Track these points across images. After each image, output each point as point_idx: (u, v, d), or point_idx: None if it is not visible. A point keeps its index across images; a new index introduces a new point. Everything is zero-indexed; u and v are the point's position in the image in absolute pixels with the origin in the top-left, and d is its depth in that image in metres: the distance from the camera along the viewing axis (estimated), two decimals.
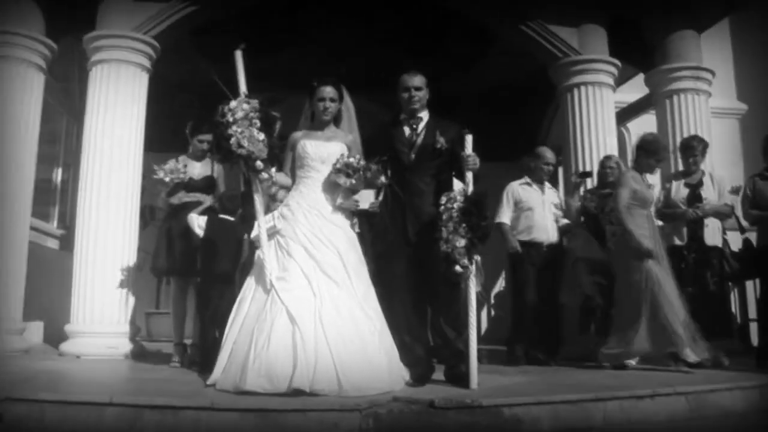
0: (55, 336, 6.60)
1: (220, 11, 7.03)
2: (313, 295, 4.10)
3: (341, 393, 3.78)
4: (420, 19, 8.00)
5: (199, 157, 5.98)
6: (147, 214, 7.73)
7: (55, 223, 8.74)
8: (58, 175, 8.85)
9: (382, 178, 4.35)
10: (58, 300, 6.63)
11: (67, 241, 7.91)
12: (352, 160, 4.32)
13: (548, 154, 6.47)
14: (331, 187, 4.40)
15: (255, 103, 4.21)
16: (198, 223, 5.42)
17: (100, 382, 4.56)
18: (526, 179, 6.50)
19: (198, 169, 5.93)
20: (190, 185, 5.78)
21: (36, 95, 6.66)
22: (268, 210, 4.56)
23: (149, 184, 6.16)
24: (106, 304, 6.21)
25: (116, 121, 6.51)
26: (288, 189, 4.65)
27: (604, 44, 7.36)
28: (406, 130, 4.73)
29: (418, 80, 4.70)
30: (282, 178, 4.56)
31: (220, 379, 4.04)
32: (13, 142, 6.40)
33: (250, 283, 4.34)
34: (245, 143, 4.11)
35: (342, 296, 4.16)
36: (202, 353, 5.22)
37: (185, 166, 5.77)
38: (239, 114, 4.15)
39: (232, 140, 4.11)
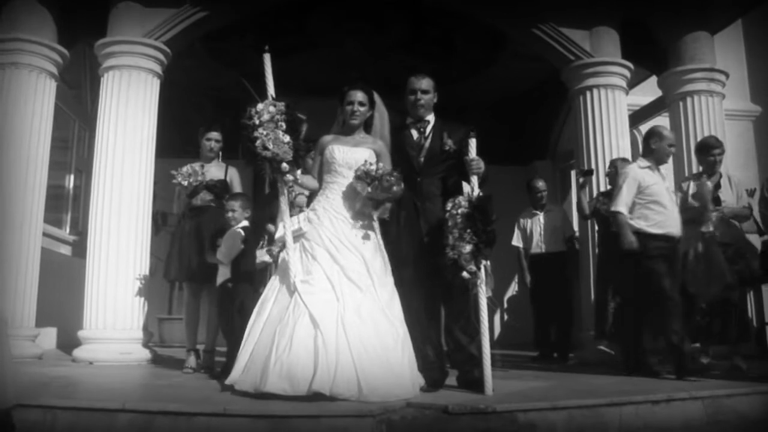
0: (68, 342, 6.62)
1: (230, 16, 7.03)
2: (336, 300, 4.09)
3: (361, 398, 3.76)
4: (431, 25, 7.99)
5: (208, 158, 5.98)
6: (159, 219, 7.79)
7: (68, 229, 8.78)
8: (70, 181, 8.89)
9: (396, 189, 4.28)
10: (71, 306, 6.65)
11: (79, 247, 7.94)
12: (372, 167, 4.29)
13: (671, 134, 5.88)
14: (353, 192, 4.39)
15: (281, 105, 4.20)
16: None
17: (113, 388, 4.54)
18: (647, 162, 5.69)
19: (213, 171, 5.94)
20: (209, 187, 5.78)
21: (48, 102, 6.69)
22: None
23: (161, 190, 6.17)
24: (118, 309, 6.21)
25: (128, 127, 6.51)
26: (313, 192, 4.65)
27: (617, 47, 7.31)
28: (414, 134, 4.71)
29: (425, 83, 4.69)
30: (309, 180, 4.55)
31: (239, 380, 4.03)
32: (26, 149, 6.44)
33: (273, 284, 4.33)
34: (270, 145, 4.10)
35: (365, 302, 4.14)
36: (229, 353, 5.19)
37: (202, 166, 5.79)
38: (265, 116, 4.14)
39: (258, 142, 4.11)
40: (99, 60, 6.73)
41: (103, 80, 6.68)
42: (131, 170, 6.45)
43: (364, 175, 4.28)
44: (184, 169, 5.70)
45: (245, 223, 5.49)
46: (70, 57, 6.92)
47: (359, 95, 4.50)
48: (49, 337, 7.34)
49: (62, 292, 7.18)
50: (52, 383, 4.56)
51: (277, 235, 4.50)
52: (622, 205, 5.47)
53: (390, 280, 4.35)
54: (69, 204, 8.87)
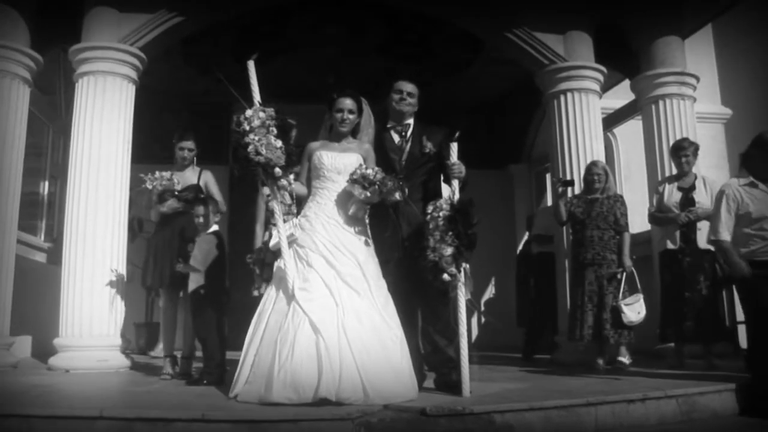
0: (44, 350, 6.55)
1: (206, 22, 7.01)
2: (336, 305, 4.11)
3: (367, 401, 3.81)
4: (408, 28, 8.03)
5: (180, 166, 5.97)
6: (135, 226, 7.74)
7: (43, 237, 8.68)
8: (44, 188, 8.80)
9: (398, 195, 4.32)
10: (47, 314, 6.58)
11: (54, 255, 7.86)
12: (369, 171, 4.31)
13: None
14: (347, 196, 4.41)
15: (271, 111, 4.21)
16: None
17: (90, 396, 4.52)
18: (750, 178, 4.94)
19: (187, 176, 5.93)
20: (177, 195, 5.77)
21: (21, 108, 6.63)
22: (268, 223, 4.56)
23: (137, 197, 6.15)
24: (95, 316, 6.16)
25: (103, 133, 6.46)
26: (303, 198, 4.67)
27: (590, 51, 7.40)
28: (396, 137, 4.77)
29: (412, 87, 4.76)
30: (298, 187, 4.57)
31: (243, 391, 4.03)
32: (0, 156, 6.36)
33: (270, 294, 4.33)
34: (263, 150, 4.11)
35: (363, 305, 4.18)
36: (220, 364, 5.20)
37: (172, 174, 5.78)
38: (256, 122, 4.15)
39: (250, 148, 4.11)
40: (73, 65, 6.68)
41: (77, 86, 6.63)
42: (106, 177, 6.41)
43: (361, 179, 4.30)
44: (157, 173, 5.69)
45: (215, 227, 5.48)
46: (44, 62, 6.86)
47: (348, 103, 4.54)
48: (24, 345, 7.25)
49: (37, 300, 7.11)
50: (28, 392, 4.52)
51: (272, 243, 4.49)
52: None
53: (383, 282, 4.39)
54: (44, 211, 8.78)
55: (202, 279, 5.27)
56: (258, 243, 5.59)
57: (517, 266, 10.33)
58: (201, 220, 5.38)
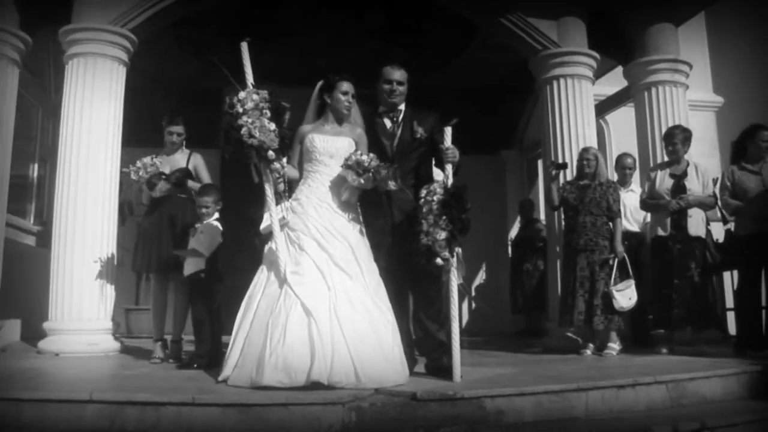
0: (34, 334, 6.53)
1: (197, 5, 6.95)
2: (328, 288, 4.10)
3: (359, 385, 3.81)
4: (401, 13, 7.99)
5: (169, 150, 5.93)
6: (126, 209, 7.70)
7: (32, 220, 8.63)
8: (34, 170, 8.73)
9: (392, 184, 4.30)
10: (36, 297, 6.54)
11: (44, 238, 7.82)
12: (364, 158, 4.28)
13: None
14: (340, 181, 4.39)
15: (264, 93, 4.19)
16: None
17: (80, 380, 4.50)
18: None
19: (176, 159, 5.89)
20: (165, 178, 5.72)
21: (10, 90, 6.54)
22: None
23: (126, 180, 6.11)
24: (84, 300, 6.13)
25: (93, 116, 6.41)
26: (294, 182, 4.64)
27: (583, 37, 7.39)
28: (387, 123, 4.75)
29: (400, 74, 4.71)
30: (290, 170, 4.54)
31: (234, 375, 4.02)
32: None
33: (260, 278, 4.31)
34: (256, 133, 4.09)
35: (356, 289, 4.17)
36: (213, 349, 5.18)
37: (153, 158, 5.71)
38: (249, 104, 4.13)
39: (243, 130, 4.09)
40: (63, 47, 6.61)
41: (67, 68, 6.56)
42: (96, 159, 6.36)
43: (355, 165, 4.27)
44: (138, 162, 5.64)
45: (217, 215, 5.46)
46: (33, 44, 6.77)
47: (350, 86, 4.54)
48: (13, 329, 7.22)
49: (26, 283, 7.06)
50: (17, 376, 4.50)
51: (263, 226, 4.45)
52: None
53: (375, 267, 4.38)
54: (33, 194, 8.72)
55: (202, 264, 5.26)
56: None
57: (512, 252, 10.39)
58: (206, 210, 5.36)
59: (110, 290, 6.29)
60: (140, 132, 7.23)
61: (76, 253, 6.21)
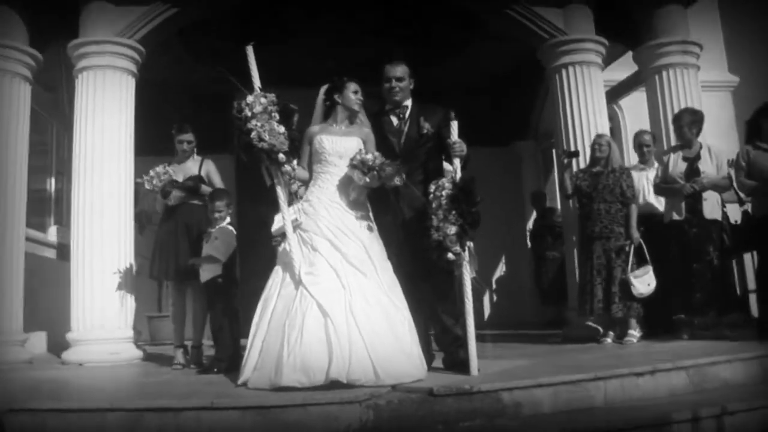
0: (59, 345, 6.61)
1: (202, 12, 6.99)
2: (342, 288, 4.12)
3: (378, 382, 3.83)
4: (405, 8, 7.97)
5: (181, 158, 5.98)
6: (143, 218, 7.77)
7: (52, 233, 8.72)
8: (51, 184, 8.84)
9: (397, 180, 4.31)
10: (60, 309, 6.62)
11: (63, 250, 7.91)
12: (369, 156, 4.30)
13: None
14: (348, 181, 4.41)
15: (272, 96, 4.24)
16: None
17: (102, 389, 4.56)
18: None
19: (188, 167, 5.94)
20: (178, 186, 5.78)
21: (23, 106, 6.64)
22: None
23: (141, 190, 6.18)
24: (105, 310, 6.20)
25: (105, 127, 6.48)
26: (305, 183, 4.68)
27: (591, 23, 7.31)
28: (394, 120, 4.76)
29: (399, 70, 4.72)
30: (300, 172, 4.58)
31: (253, 378, 4.05)
32: (4, 154, 6.39)
33: (275, 280, 4.34)
34: (266, 137, 4.13)
35: (370, 287, 4.19)
36: (233, 353, 5.19)
37: (165, 166, 5.77)
38: (258, 108, 4.17)
39: (253, 134, 4.13)
40: (72, 61, 6.69)
41: (77, 81, 6.64)
42: (110, 171, 6.43)
43: (360, 164, 4.29)
44: (151, 172, 5.70)
45: (229, 219, 5.51)
46: (44, 59, 6.86)
47: (357, 86, 4.58)
48: (39, 341, 7.33)
49: (49, 296, 7.16)
50: (41, 387, 4.58)
51: (275, 227, 4.49)
52: None
53: (389, 264, 4.40)
54: (51, 207, 8.83)
55: (219, 269, 5.30)
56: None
57: (531, 243, 10.36)
58: (219, 215, 5.40)
59: (130, 299, 6.36)
60: (153, 141, 7.28)
61: (95, 264, 6.28)
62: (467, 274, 4.30)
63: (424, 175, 4.63)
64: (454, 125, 4.39)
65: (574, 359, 4.92)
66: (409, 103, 4.77)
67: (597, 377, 3.97)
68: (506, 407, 3.70)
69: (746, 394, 4.11)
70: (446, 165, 4.76)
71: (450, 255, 4.18)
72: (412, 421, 3.56)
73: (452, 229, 4.17)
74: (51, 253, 8.19)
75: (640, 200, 6.52)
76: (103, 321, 6.21)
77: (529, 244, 10.61)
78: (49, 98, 8.52)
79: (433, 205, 4.24)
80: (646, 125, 7.73)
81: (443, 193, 4.23)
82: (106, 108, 6.50)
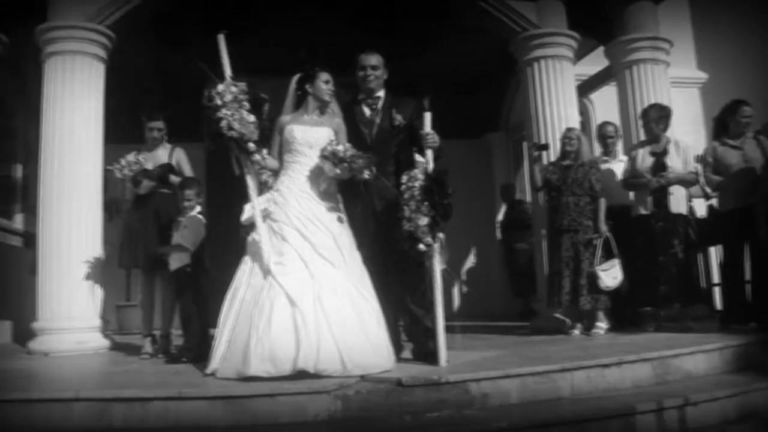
0: (25, 335, 6.52)
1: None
2: (311, 277, 4.13)
3: (345, 372, 3.85)
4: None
5: (151, 146, 5.92)
6: (112, 207, 7.67)
7: (18, 220, 8.59)
8: (18, 171, 8.69)
9: (366, 173, 4.32)
10: (25, 298, 6.53)
11: (30, 238, 7.78)
12: (340, 148, 4.30)
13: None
14: (319, 171, 4.41)
15: (243, 85, 4.24)
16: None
17: (68, 378, 4.52)
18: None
19: (159, 155, 5.88)
20: (148, 175, 5.72)
21: None
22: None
23: (112, 178, 6.10)
24: (72, 299, 6.12)
25: (74, 114, 6.37)
26: (275, 173, 4.66)
27: (563, 18, 7.37)
28: (367, 111, 4.76)
29: (374, 59, 4.72)
30: (270, 161, 4.56)
31: (221, 368, 4.05)
32: None
33: (243, 270, 4.34)
34: (236, 125, 4.14)
35: (339, 277, 4.20)
36: (201, 342, 5.13)
37: (136, 154, 5.72)
38: (228, 97, 4.17)
39: (223, 123, 4.14)
40: (40, 46, 6.56)
41: (45, 67, 6.51)
42: (79, 158, 6.33)
43: (331, 155, 4.29)
44: (122, 160, 5.65)
45: (199, 208, 5.47)
46: (11, 43, 6.74)
47: (329, 76, 4.58)
48: (4, 330, 7.24)
49: (14, 285, 7.06)
50: (5, 377, 4.52)
51: (245, 217, 4.47)
52: None
53: (358, 254, 4.42)
54: (18, 194, 8.68)
55: (188, 258, 5.27)
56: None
57: (501, 234, 10.42)
58: (189, 203, 5.37)
59: (98, 288, 6.28)
60: (123, 128, 7.20)
61: (62, 252, 6.19)
62: (438, 266, 4.32)
63: (395, 166, 4.65)
64: (427, 116, 4.41)
65: (542, 351, 4.97)
66: (382, 93, 4.77)
67: (564, 368, 4.03)
68: (474, 398, 3.74)
69: (708, 384, 4.21)
70: (418, 157, 4.76)
71: (421, 246, 4.21)
72: (381, 411, 3.59)
73: (424, 221, 4.19)
74: (17, 241, 8.07)
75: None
76: (71, 310, 6.11)
77: (498, 235, 10.67)
78: (17, 83, 8.36)
79: (406, 196, 4.26)
80: (617, 119, 7.82)
81: (416, 184, 4.25)
82: (75, 94, 6.40)
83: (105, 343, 6.26)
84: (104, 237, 6.54)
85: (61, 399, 3.61)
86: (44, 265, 6.24)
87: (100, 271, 6.30)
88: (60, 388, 3.91)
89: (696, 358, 4.51)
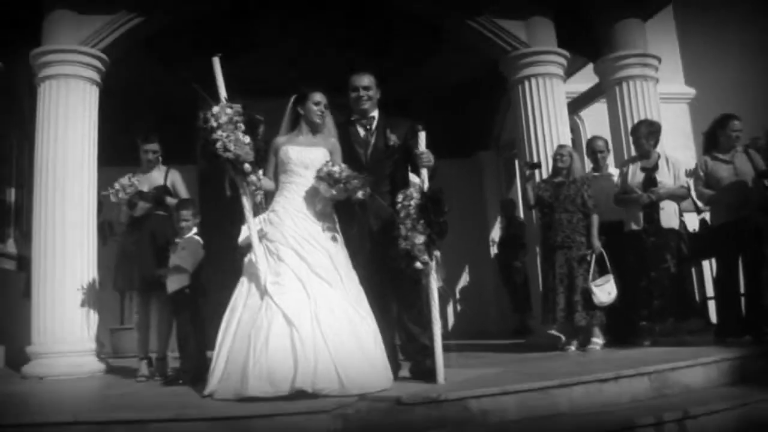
0: (18, 359, 6.48)
1: (166, 22, 6.95)
2: (308, 297, 4.12)
3: (343, 392, 3.83)
4: (370, 20, 8.02)
5: (146, 168, 5.94)
6: (106, 229, 7.65)
7: (12, 244, 8.56)
8: (11, 195, 8.67)
9: (360, 194, 4.33)
10: (19, 322, 6.50)
11: (24, 262, 7.75)
12: (336, 169, 4.31)
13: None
14: (315, 191, 4.41)
15: (238, 107, 4.25)
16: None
17: (64, 402, 4.49)
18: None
19: (154, 177, 5.90)
20: (144, 197, 5.73)
21: None
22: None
23: (106, 202, 6.11)
24: (67, 322, 6.09)
25: (68, 137, 6.39)
26: (268, 193, 4.65)
27: (552, 36, 7.45)
28: (361, 131, 4.78)
29: (366, 80, 4.75)
30: (266, 182, 4.56)
31: (219, 388, 4.03)
32: None
33: (241, 290, 4.33)
34: (231, 147, 4.13)
35: (336, 297, 4.20)
36: (199, 364, 5.11)
37: (130, 177, 5.73)
38: (223, 118, 4.17)
39: (218, 144, 4.13)
40: (34, 70, 6.59)
41: (39, 90, 6.53)
42: (73, 181, 6.34)
43: (327, 177, 4.30)
44: (116, 184, 5.65)
45: (195, 229, 5.48)
46: (5, 67, 6.76)
47: (322, 96, 4.58)
48: None
49: (8, 309, 7.02)
50: (0, 402, 4.48)
51: (241, 238, 4.49)
52: None
53: (354, 274, 4.41)
54: (12, 218, 8.66)
55: (187, 280, 5.26)
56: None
57: (499, 251, 10.43)
58: (186, 224, 5.37)
59: (93, 311, 6.25)
60: (117, 151, 7.21)
61: (56, 276, 6.17)
62: (434, 284, 4.33)
63: (391, 185, 4.67)
64: (422, 136, 4.43)
65: (539, 367, 4.98)
66: (376, 113, 4.80)
67: (562, 384, 4.03)
68: (474, 415, 3.73)
69: (707, 397, 4.21)
70: (412, 176, 4.79)
71: (418, 264, 4.22)
72: (381, 429, 3.58)
73: (420, 239, 4.20)
74: (10, 265, 8.03)
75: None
76: (65, 334, 6.09)
77: (493, 252, 10.69)
78: (10, 108, 8.36)
79: (402, 215, 4.27)
80: (607, 136, 7.88)
81: (411, 203, 4.27)
82: (69, 117, 6.41)
83: (100, 366, 6.23)
84: (98, 260, 6.52)
85: (59, 422, 3.58)
86: (38, 288, 6.21)
87: (94, 294, 6.28)
88: (57, 412, 3.88)
89: (693, 371, 4.52)
